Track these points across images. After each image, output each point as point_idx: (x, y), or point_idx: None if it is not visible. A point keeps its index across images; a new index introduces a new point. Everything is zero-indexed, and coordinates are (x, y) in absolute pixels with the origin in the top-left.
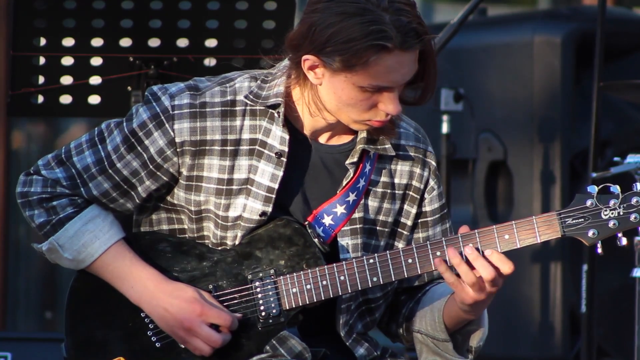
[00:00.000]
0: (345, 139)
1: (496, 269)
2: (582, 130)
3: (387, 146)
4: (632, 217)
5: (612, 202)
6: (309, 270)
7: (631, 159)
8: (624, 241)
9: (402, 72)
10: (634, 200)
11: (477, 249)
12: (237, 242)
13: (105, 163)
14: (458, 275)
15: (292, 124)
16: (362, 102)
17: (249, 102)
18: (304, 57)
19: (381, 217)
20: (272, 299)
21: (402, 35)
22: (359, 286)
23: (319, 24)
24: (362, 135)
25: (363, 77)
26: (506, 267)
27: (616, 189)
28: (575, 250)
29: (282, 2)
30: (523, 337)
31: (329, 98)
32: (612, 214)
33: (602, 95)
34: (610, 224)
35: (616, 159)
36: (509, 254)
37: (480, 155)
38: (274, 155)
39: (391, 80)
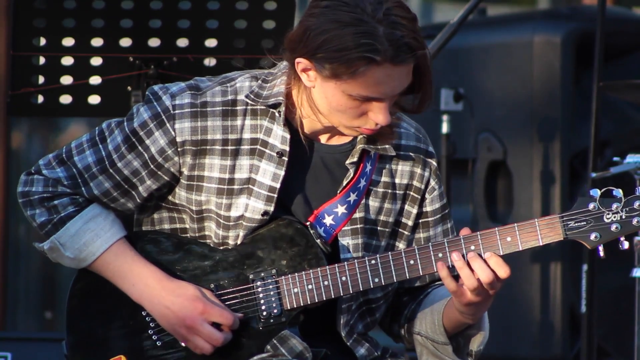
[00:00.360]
0: (346, 138)
1: (493, 272)
2: (582, 130)
3: (387, 146)
4: (635, 220)
5: (614, 206)
6: (311, 271)
7: (631, 159)
8: (626, 245)
9: (391, 85)
10: (636, 204)
11: (479, 255)
12: (239, 242)
13: (106, 162)
14: (457, 278)
15: (292, 123)
16: (351, 109)
17: (249, 101)
18: (297, 59)
19: (382, 217)
20: (273, 299)
21: (393, 49)
22: (361, 287)
23: (314, 29)
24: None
25: (352, 87)
26: (502, 271)
27: (619, 192)
28: (575, 250)
29: (282, 2)
30: (523, 336)
31: (321, 102)
32: (614, 217)
33: (602, 95)
34: (613, 227)
35: (616, 158)
36: (509, 253)
37: (480, 155)
38: (275, 154)
39: (380, 92)
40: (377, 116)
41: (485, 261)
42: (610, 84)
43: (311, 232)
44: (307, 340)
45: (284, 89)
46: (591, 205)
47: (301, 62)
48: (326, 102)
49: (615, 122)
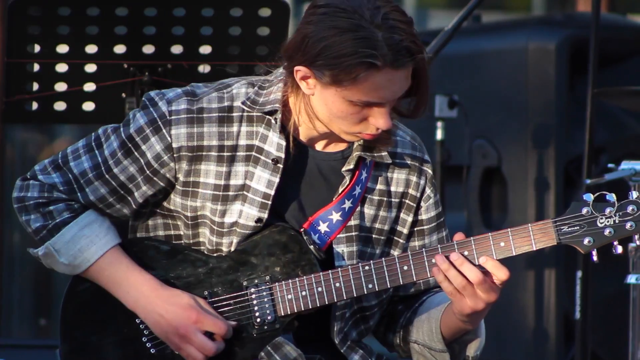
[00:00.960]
0: (342, 146)
1: (491, 275)
2: (577, 136)
3: (383, 154)
4: (628, 225)
5: (607, 210)
6: (304, 277)
7: (625, 165)
8: (620, 249)
9: (392, 90)
10: (629, 208)
11: (463, 255)
12: (232, 249)
13: (102, 168)
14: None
15: (288, 130)
16: (352, 115)
17: (246, 108)
18: (296, 67)
19: (377, 225)
20: (267, 306)
21: (393, 53)
22: (354, 293)
23: (312, 37)
24: (359, 142)
25: (352, 92)
26: (501, 273)
27: (612, 197)
28: (569, 256)
29: (277, 9)
30: (517, 343)
31: (320, 109)
32: (607, 222)
33: (596, 101)
34: (606, 232)
35: (610, 165)
36: (504, 260)
37: (475, 161)
38: (270, 161)
39: (381, 97)
40: (378, 121)
41: (470, 261)
42: (605, 91)
43: (305, 238)
44: (301, 347)
45: (280, 96)
46: (584, 210)
47: (300, 70)
48: (326, 109)
49: (610, 129)
